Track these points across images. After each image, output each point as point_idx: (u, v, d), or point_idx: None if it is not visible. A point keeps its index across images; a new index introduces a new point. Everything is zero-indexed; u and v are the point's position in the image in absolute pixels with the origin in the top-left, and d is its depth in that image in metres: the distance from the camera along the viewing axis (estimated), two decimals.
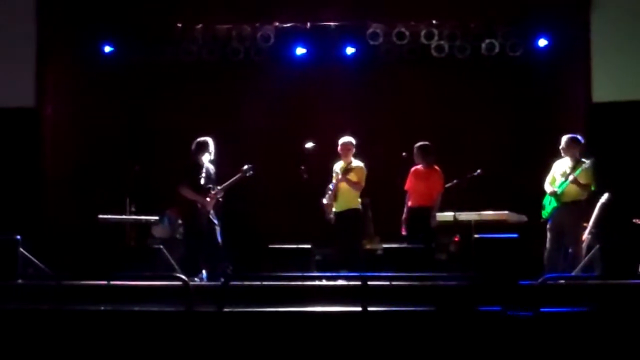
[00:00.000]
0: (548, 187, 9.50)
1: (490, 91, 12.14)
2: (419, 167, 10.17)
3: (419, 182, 10.09)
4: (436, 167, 10.15)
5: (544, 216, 9.53)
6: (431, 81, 12.19)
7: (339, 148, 9.98)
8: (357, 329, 6.40)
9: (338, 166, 10.02)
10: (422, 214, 9.97)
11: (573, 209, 9.33)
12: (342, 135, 10.07)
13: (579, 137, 9.47)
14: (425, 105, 12.13)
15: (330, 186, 9.91)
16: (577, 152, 9.38)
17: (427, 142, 10.20)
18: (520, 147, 11.80)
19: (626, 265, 8.81)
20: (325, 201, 9.90)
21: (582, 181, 9.24)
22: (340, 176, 9.83)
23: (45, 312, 6.68)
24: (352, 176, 9.82)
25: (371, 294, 6.61)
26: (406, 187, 10.21)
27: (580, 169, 9.24)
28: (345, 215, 9.81)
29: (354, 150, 9.98)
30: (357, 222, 9.93)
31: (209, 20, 11.83)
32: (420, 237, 9.82)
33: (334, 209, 9.85)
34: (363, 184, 9.89)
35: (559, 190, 9.37)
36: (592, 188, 9.36)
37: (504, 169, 11.49)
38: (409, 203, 10.11)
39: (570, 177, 9.24)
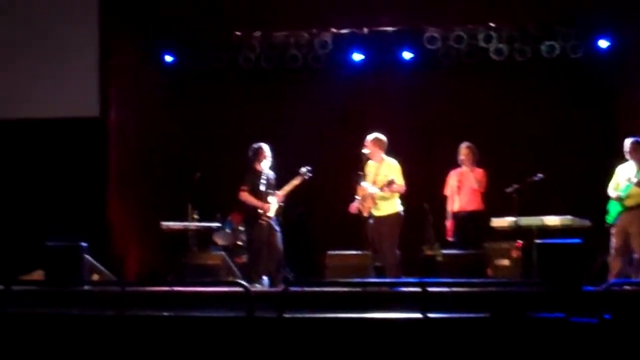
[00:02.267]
0: (612, 192, 9.36)
1: (552, 94, 12.00)
2: (461, 169, 10.10)
3: (465, 184, 10.04)
4: (480, 169, 10.10)
5: (608, 221, 9.39)
6: (490, 85, 12.09)
7: (370, 144, 9.61)
8: (417, 336, 6.37)
9: (372, 167, 9.66)
10: (469, 218, 9.94)
11: (638, 214, 9.17)
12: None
13: None
14: (485, 109, 12.02)
15: (365, 186, 9.53)
16: None
17: (471, 143, 10.17)
18: (582, 150, 11.63)
19: None
20: (357, 205, 9.58)
21: None
22: (381, 187, 9.44)
23: (110, 318, 6.81)
24: (395, 185, 9.43)
25: (431, 301, 6.57)
26: (446, 192, 10.16)
27: None
28: (386, 220, 9.50)
29: (384, 147, 9.67)
30: (397, 226, 9.53)
31: (267, 28, 11.93)
32: (469, 243, 9.76)
33: (374, 213, 9.51)
34: (404, 184, 9.52)
35: (623, 195, 9.22)
36: None
37: (566, 173, 11.34)
38: (456, 207, 10.09)
39: (634, 180, 9.08)
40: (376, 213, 9.54)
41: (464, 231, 10.01)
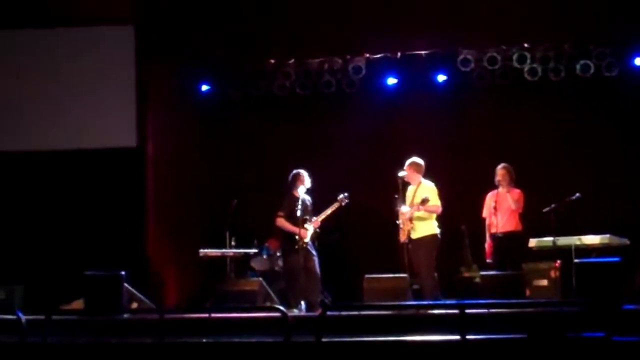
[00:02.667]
0: None
1: (587, 113, 11.90)
2: (498, 191, 10.07)
3: (502, 205, 9.99)
4: (517, 189, 10.06)
5: None
6: (525, 105, 12.04)
7: (407, 169, 9.78)
8: (456, 358, 6.34)
9: (410, 190, 9.82)
10: (509, 240, 9.89)
11: None
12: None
13: None
14: (520, 129, 11.98)
15: (404, 210, 9.67)
16: None
17: (507, 164, 10.13)
18: (620, 169, 11.52)
19: None
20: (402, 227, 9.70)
21: None
22: (416, 205, 9.58)
23: (149, 345, 6.86)
24: (430, 204, 9.56)
25: (469, 322, 6.54)
26: (484, 214, 10.14)
27: None
28: (423, 241, 9.60)
29: (422, 171, 9.82)
30: (433, 248, 9.63)
31: (301, 55, 12.03)
32: (507, 264, 9.70)
33: (411, 236, 9.63)
34: (439, 204, 9.68)
35: None
36: None
37: (604, 192, 11.25)
38: (493, 229, 10.03)
39: None
40: (413, 235, 9.63)
41: (502, 252, 9.94)
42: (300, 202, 9.85)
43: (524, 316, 7.34)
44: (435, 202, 9.60)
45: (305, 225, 9.82)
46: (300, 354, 6.46)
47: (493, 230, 10.04)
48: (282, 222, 9.88)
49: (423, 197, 9.52)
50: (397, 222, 9.73)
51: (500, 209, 10.01)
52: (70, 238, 11.03)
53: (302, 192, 9.94)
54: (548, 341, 6.32)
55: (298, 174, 9.99)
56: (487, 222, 10.19)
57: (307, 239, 9.81)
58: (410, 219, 9.60)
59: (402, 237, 9.66)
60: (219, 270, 11.02)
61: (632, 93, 11.53)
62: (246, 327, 7.60)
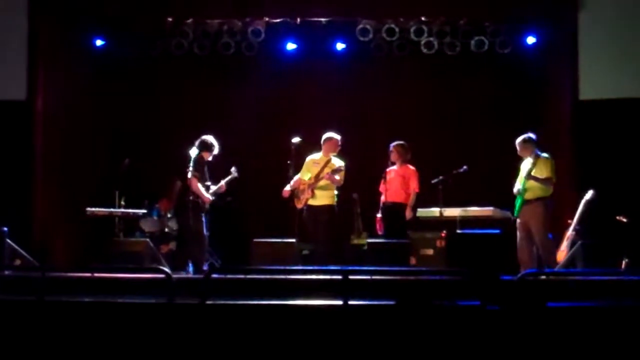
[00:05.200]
0: (515, 186, 9.53)
1: (479, 88, 12.21)
2: (393, 167, 10.30)
3: (393, 179, 10.23)
4: (411, 167, 10.28)
5: (514, 214, 9.54)
6: (420, 77, 12.26)
7: (328, 142, 9.97)
8: (338, 322, 6.47)
9: (319, 160, 9.98)
10: (396, 210, 10.11)
11: (536, 206, 9.28)
12: (330, 130, 10.12)
13: (531, 135, 9.48)
14: (414, 101, 12.20)
15: (305, 178, 9.87)
16: (534, 149, 9.41)
17: (403, 142, 10.33)
18: (507, 143, 11.79)
19: (608, 261, 8.91)
20: (289, 188, 9.84)
21: (539, 176, 9.24)
22: (325, 173, 9.78)
23: (30, 302, 6.74)
24: (338, 176, 9.79)
25: (354, 288, 6.67)
26: (381, 189, 10.36)
27: (534, 166, 9.27)
28: (322, 210, 9.80)
29: (338, 147, 10.00)
30: (332, 217, 9.83)
31: (200, 15, 11.85)
32: (394, 232, 9.94)
33: (309, 202, 9.84)
34: (342, 180, 9.89)
35: (521, 188, 9.39)
36: (553, 180, 9.35)
37: (491, 165, 11.55)
38: (383, 199, 10.30)
39: (524, 174, 9.28)
40: (313, 202, 9.79)
41: (389, 221, 10.19)
42: (207, 168, 9.86)
43: (405, 283, 7.53)
44: (341, 177, 9.78)
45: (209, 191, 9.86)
46: (183, 315, 6.46)
47: (383, 200, 10.28)
48: (197, 185, 9.77)
49: (336, 167, 9.70)
50: (288, 187, 9.81)
51: (392, 182, 10.23)
52: None
53: (209, 157, 9.95)
54: (425, 308, 6.51)
55: (213, 142, 9.91)
56: (383, 196, 10.42)
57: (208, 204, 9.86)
58: (312, 190, 9.72)
59: (299, 205, 9.78)
60: (107, 230, 10.86)
61: (523, 70, 11.86)
62: (130, 287, 7.53)
